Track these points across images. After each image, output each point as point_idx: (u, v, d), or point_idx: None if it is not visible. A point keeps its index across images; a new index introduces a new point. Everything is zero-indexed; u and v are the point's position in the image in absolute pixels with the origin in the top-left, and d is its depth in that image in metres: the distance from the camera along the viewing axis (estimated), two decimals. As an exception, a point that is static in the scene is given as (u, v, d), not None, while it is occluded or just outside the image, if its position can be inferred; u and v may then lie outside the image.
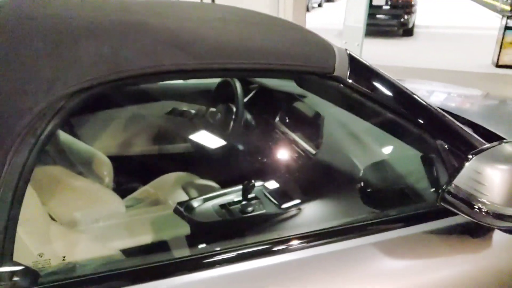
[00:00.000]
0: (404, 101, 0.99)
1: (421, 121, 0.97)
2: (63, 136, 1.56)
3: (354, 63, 0.97)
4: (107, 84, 0.75)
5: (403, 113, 0.97)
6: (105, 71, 0.74)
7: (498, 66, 7.21)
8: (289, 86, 1.87)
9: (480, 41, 9.73)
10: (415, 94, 1.00)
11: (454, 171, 0.90)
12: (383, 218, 1.03)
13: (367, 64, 1.00)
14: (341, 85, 0.94)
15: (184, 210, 1.57)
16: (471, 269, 0.97)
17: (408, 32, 10.71)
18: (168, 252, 1.23)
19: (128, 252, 1.22)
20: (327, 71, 0.92)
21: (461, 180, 0.88)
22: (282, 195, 1.58)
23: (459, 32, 11.37)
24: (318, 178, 1.51)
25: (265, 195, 1.64)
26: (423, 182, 1.08)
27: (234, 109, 1.91)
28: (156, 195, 1.81)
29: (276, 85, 1.95)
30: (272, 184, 1.65)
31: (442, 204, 0.91)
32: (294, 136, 1.73)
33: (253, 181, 1.66)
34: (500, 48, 7.15)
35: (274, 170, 1.75)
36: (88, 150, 1.71)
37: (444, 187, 0.91)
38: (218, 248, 0.89)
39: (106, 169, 1.68)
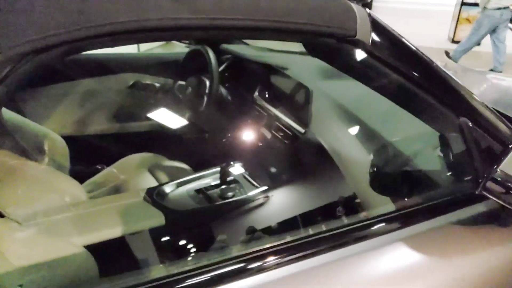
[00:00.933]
0: (431, 74, 0.85)
1: (449, 99, 0.84)
2: (7, 113, 1.33)
3: (377, 26, 0.81)
4: (71, 44, 0.55)
5: (428, 88, 0.83)
6: (67, 26, 0.53)
7: (453, 41, 7.37)
8: (267, 56, 1.70)
9: (437, 16, 9.88)
10: (442, 68, 0.86)
11: (498, 155, 0.78)
12: (402, 211, 0.89)
13: (389, 28, 0.84)
14: (362, 51, 0.78)
15: (156, 196, 1.40)
16: (502, 259, 0.87)
17: (366, 6, 10.65)
18: (146, 253, 1.06)
19: (94, 250, 1.05)
20: (348, 33, 0.76)
21: (508, 165, 0.76)
22: (267, 178, 1.44)
23: (416, 8, 11.54)
24: (312, 160, 1.37)
25: (246, 179, 1.49)
26: (439, 166, 0.95)
27: (208, 82, 1.72)
28: (119, 178, 1.64)
29: (252, 56, 1.77)
30: (255, 167, 1.49)
31: (483, 192, 0.79)
32: (278, 112, 1.57)
33: (232, 162, 1.50)
34: (456, 24, 7.31)
35: (255, 151, 1.59)
36: (38, 130, 1.49)
37: (487, 173, 0.78)
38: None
39: (61, 151, 1.49)
